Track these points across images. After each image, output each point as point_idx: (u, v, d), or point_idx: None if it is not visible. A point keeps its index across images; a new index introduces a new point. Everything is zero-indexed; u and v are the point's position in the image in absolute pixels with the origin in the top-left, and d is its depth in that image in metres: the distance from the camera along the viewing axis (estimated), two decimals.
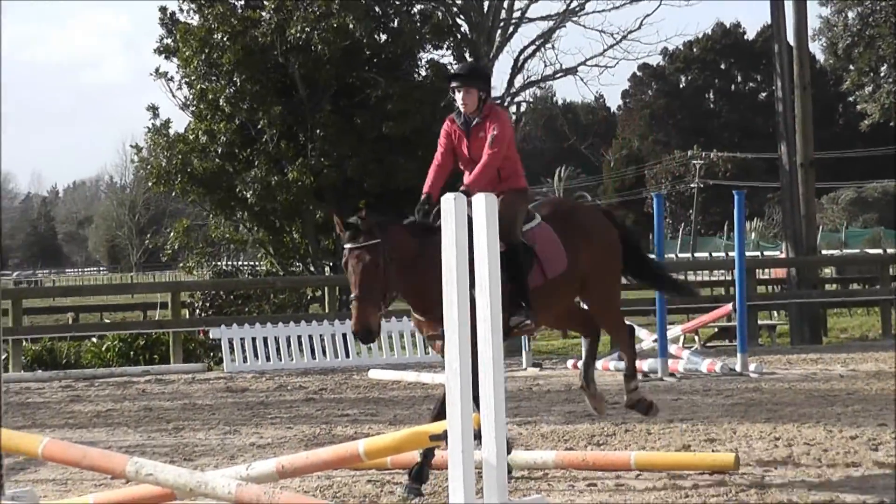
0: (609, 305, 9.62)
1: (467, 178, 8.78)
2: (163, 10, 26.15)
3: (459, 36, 26.52)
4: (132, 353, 20.45)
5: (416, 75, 25.86)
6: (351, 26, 23.98)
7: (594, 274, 9.22)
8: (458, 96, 8.80)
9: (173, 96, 25.81)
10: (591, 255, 9.16)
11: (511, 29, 27.05)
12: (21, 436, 7.60)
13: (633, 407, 9.66)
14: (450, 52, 26.37)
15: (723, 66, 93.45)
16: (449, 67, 24.89)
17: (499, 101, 10.63)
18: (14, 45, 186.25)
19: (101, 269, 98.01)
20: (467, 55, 26.20)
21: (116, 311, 32.89)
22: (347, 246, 8.18)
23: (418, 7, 26.29)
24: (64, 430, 12.36)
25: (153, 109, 25.58)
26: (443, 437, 6.55)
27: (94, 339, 21.20)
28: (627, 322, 10.08)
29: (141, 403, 14.71)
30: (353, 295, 8.08)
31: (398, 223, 8.45)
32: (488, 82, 9.05)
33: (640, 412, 9.72)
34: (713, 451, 9.56)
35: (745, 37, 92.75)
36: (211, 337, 18.86)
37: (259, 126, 24.39)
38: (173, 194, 27.19)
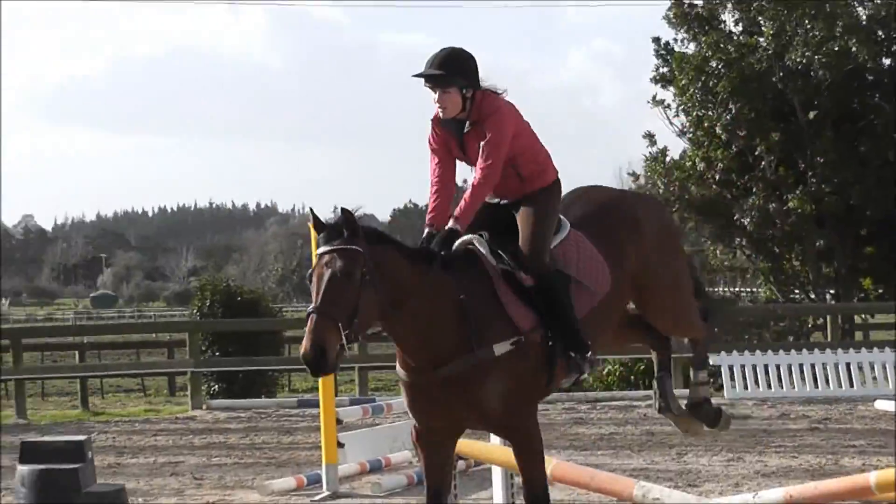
0: (677, 304, 7.47)
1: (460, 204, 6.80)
2: (656, 40, 26.47)
3: None
4: (632, 377, 20.77)
5: None
6: (853, 50, 23.31)
7: (650, 272, 7.23)
8: (434, 98, 6.76)
9: (670, 123, 26.06)
10: (638, 250, 7.20)
11: None
12: None
13: (695, 411, 7.72)
14: None
15: None
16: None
17: (497, 90, 6.99)
18: (518, 73, 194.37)
19: None
20: None
21: None
22: (319, 250, 6.33)
23: None
24: (569, 452, 12.74)
25: (650, 137, 25.90)
26: None
27: None
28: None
29: (643, 427, 14.91)
30: (310, 307, 6.14)
31: (392, 240, 6.55)
32: (471, 71, 6.77)
33: (703, 421, 7.74)
34: None
35: None
36: (710, 363, 18.81)
37: (756, 153, 24.14)
38: None
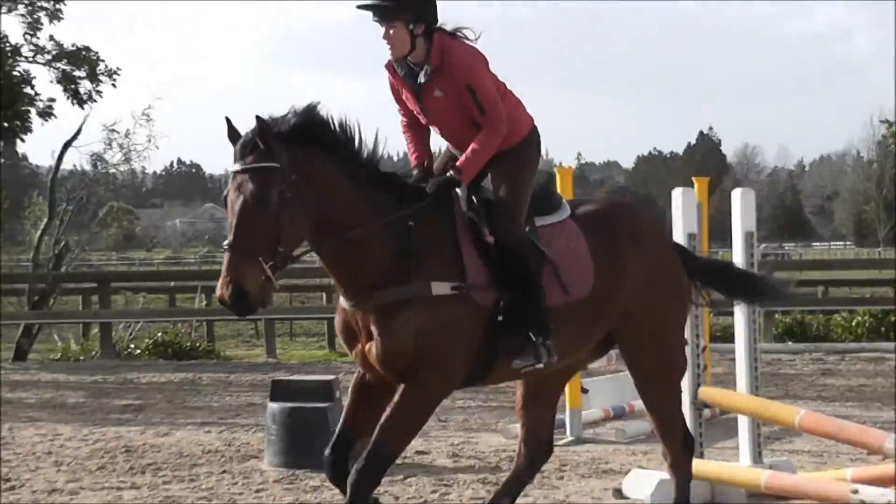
0: (658, 370, 6.49)
1: (461, 155, 6.03)
2: None
3: None
4: (882, 328, 20.09)
5: None
6: None
7: (641, 307, 6.33)
8: (381, 34, 5.94)
9: None
10: (639, 275, 6.31)
11: None
12: (779, 406, 7.74)
13: None
14: None
15: None
16: None
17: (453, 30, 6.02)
18: (767, 18, 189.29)
19: (847, 243, 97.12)
20: None
21: (864, 286, 32.39)
22: (230, 168, 5.54)
23: None
24: (817, 403, 12.41)
25: None
26: None
27: (844, 314, 21.07)
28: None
29: (894, 380, 14.42)
30: (225, 242, 5.44)
31: (328, 139, 5.64)
32: (423, 5, 5.90)
33: None
34: None
35: None
36: None
37: None
38: None
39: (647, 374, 6.52)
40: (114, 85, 22.18)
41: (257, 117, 5.45)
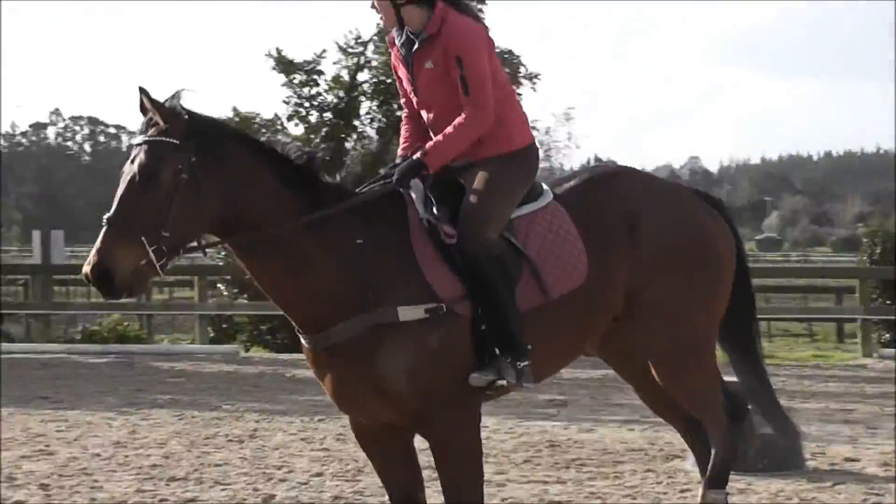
0: (685, 355, 5.74)
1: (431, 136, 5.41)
2: None
3: None
4: None
5: None
6: None
7: (650, 292, 5.56)
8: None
9: None
10: (642, 256, 5.55)
11: None
12: None
13: None
14: None
15: None
16: None
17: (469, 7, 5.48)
18: None
19: None
20: None
21: None
22: (132, 140, 5.07)
23: None
24: None
25: None
26: None
27: None
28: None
29: None
30: (105, 216, 4.90)
31: (245, 144, 5.11)
32: None
33: None
34: None
35: None
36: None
37: None
38: None
39: (661, 359, 5.78)
40: (533, 89, 22.71)
41: (175, 92, 5.02)
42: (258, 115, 21.59)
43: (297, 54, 21.49)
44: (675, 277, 5.63)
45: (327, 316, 5.06)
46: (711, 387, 5.94)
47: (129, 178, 4.92)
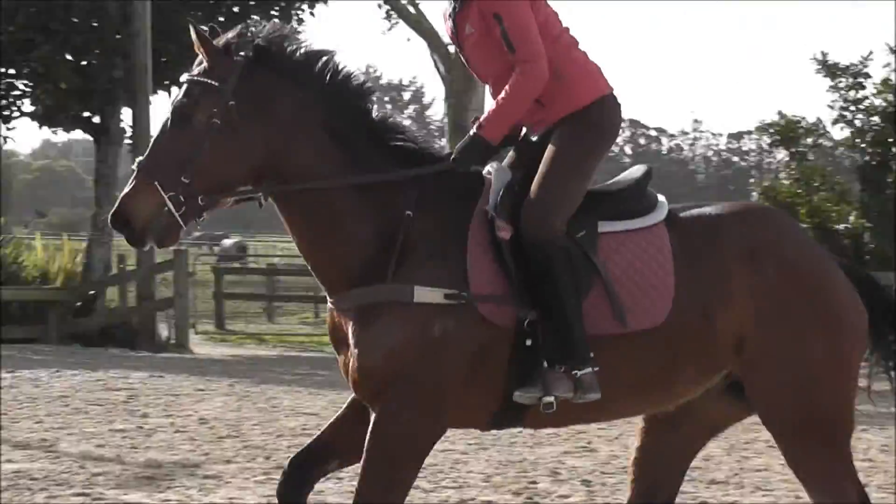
0: (800, 428, 4.71)
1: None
2: None
3: None
4: None
5: None
6: None
7: (761, 343, 4.67)
8: None
9: None
10: (755, 299, 4.67)
11: None
12: None
13: None
14: None
15: None
16: None
17: None
18: None
19: None
20: None
21: None
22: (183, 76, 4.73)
23: None
24: None
25: None
26: None
27: None
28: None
29: None
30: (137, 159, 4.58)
31: (299, 89, 4.60)
32: None
33: None
34: None
35: None
36: None
37: None
38: None
39: (784, 432, 4.84)
40: None
41: (198, 28, 4.66)
42: (803, 118, 21.40)
43: (843, 57, 21.05)
44: (796, 333, 4.81)
45: (350, 281, 4.69)
46: (842, 483, 4.87)
47: (164, 120, 4.71)
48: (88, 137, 23.85)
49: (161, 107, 26.81)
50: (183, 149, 4.57)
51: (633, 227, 4.80)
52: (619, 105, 4.90)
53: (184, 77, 4.84)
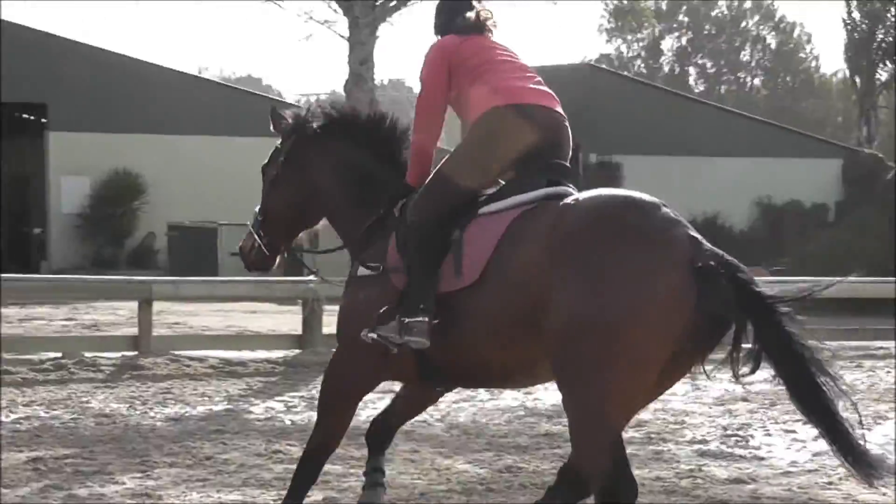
0: (582, 396, 4.80)
1: None
2: None
3: None
4: None
5: None
6: None
7: (566, 323, 4.79)
8: None
9: None
10: (565, 272, 4.83)
11: None
12: None
13: None
14: None
15: None
16: None
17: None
18: None
19: None
20: None
21: None
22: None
23: None
24: None
25: None
26: None
27: None
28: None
29: None
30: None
31: (333, 143, 5.98)
32: (435, 19, 5.93)
33: None
34: None
35: None
36: None
37: None
38: None
39: (570, 397, 4.92)
40: None
41: (272, 110, 6.16)
42: None
43: None
44: (597, 317, 4.85)
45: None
46: (595, 428, 4.88)
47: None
48: None
49: None
50: (263, 197, 6.09)
51: (500, 208, 5.34)
52: (499, 110, 5.46)
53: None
